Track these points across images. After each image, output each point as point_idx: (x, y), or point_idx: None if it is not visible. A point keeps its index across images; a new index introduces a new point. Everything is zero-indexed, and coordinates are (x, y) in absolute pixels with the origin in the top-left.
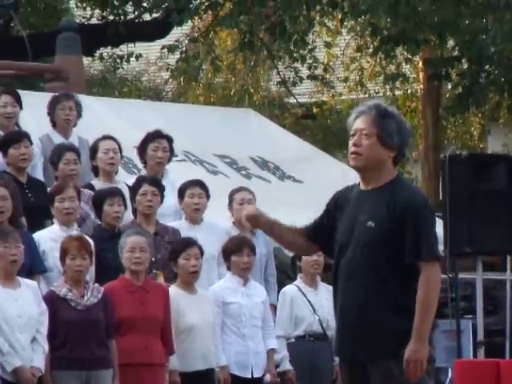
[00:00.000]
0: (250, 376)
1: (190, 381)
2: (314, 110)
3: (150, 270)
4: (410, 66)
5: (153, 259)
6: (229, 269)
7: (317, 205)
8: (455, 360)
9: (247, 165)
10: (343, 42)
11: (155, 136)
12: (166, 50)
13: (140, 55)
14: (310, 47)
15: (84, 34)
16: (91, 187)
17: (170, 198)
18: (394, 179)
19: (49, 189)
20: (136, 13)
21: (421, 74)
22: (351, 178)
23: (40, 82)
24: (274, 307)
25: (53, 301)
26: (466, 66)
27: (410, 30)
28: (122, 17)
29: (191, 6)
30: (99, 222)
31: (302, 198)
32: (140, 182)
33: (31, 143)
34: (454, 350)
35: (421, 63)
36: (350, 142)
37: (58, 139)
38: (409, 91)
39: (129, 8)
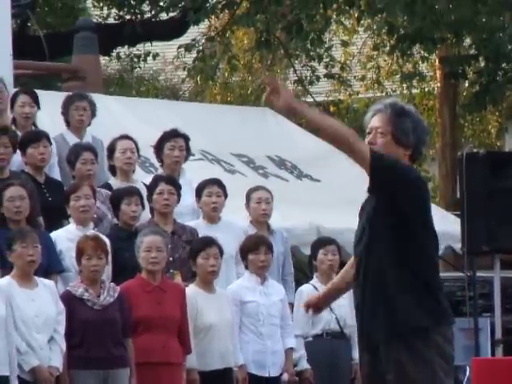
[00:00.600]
0: (267, 375)
1: (208, 380)
2: (331, 109)
3: (168, 269)
4: (426, 64)
5: (170, 259)
6: (246, 268)
7: (333, 203)
8: (473, 358)
9: (264, 164)
10: (360, 41)
11: (172, 135)
12: (182, 49)
13: (157, 54)
14: (326, 46)
15: (101, 33)
16: (109, 187)
17: (188, 196)
18: None
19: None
20: (153, 12)
21: (438, 73)
22: (367, 177)
23: (57, 82)
24: (291, 306)
25: (69, 301)
26: (482, 64)
27: (427, 29)
28: (138, 16)
29: (208, 4)
30: (116, 222)
31: (319, 196)
32: (157, 180)
33: (50, 143)
34: (472, 348)
35: (437, 61)
36: (366, 140)
37: (71, 139)
38: (426, 89)
39: (145, 7)
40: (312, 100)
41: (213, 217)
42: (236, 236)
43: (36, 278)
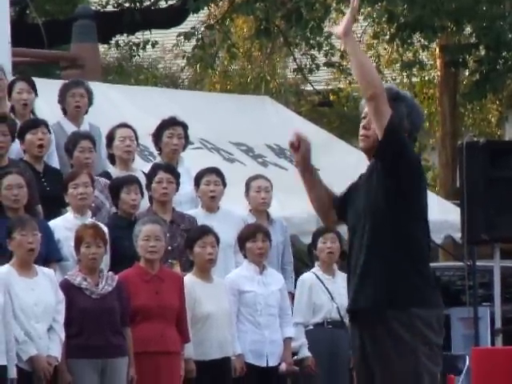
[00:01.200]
0: (265, 365)
1: (206, 369)
2: (331, 98)
3: (166, 259)
4: (426, 52)
5: (169, 248)
6: (245, 257)
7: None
8: (473, 348)
9: (264, 152)
10: (360, 29)
11: (170, 123)
12: (182, 37)
13: (156, 42)
14: (326, 34)
15: (100, 21)
16: (108, 175)
17: (186, 185)
18: None
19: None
20: (152, 0)
21: (438, 61)
22: (367, 165)
23: (56, 70)
24: (291, 295)
25: (67, 289)
26: (483, 53)
27: (427, 17)
28: (137, 4)
29: None
30: (115, 211)
31: None
32: (155, 169)
33: (49, 131)
34: (472, 337)
35: (438, 50)
36: (361, 125)
37: (69, 127)
38: (426, 78)
39: None
40: (311, 88)
41: (211, 206)
42: (235, 225)
43: (36, 266)
